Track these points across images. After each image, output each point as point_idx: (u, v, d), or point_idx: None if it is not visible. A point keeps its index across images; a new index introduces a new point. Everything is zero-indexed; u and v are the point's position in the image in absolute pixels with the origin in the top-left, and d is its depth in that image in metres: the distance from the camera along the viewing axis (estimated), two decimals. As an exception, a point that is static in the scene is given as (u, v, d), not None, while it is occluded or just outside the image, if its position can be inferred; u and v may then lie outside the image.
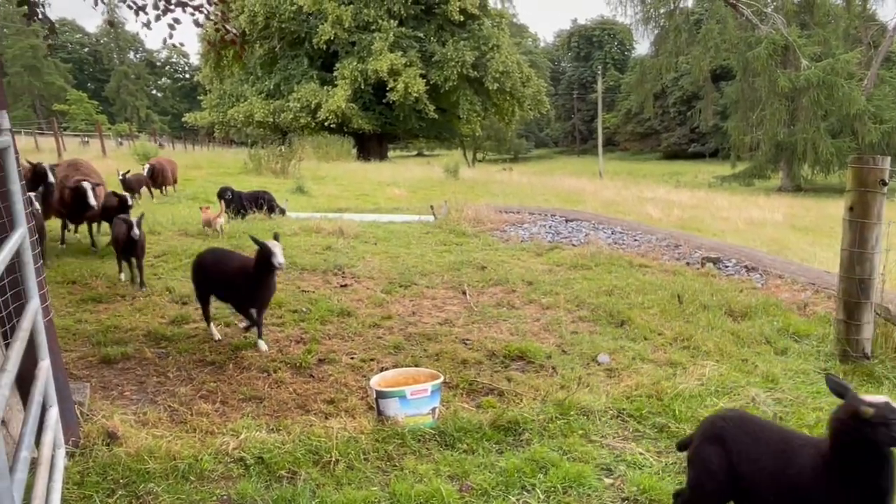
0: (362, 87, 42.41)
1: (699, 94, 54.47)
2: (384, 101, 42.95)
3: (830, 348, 5.28)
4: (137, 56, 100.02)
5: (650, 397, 4.38)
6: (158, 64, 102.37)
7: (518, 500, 3.30)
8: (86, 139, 41.55)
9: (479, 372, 4.99)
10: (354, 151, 43.76)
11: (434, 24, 44.05)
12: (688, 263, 8.83)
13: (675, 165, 65.35)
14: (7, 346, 3.26)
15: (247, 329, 5.67)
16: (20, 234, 2.83)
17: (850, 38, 40.02)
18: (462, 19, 43.04)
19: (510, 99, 46.36)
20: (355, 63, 42.00)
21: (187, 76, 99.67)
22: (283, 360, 5.18)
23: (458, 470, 3.55)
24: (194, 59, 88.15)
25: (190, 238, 10.02)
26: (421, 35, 43.18)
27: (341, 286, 7.55)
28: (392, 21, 42.18)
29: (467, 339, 5.76)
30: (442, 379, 4.31)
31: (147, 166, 15.10)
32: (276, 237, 5.29)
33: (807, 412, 4.13)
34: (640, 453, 3.74)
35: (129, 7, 7.37)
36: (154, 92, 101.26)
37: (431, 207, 13.40)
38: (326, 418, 4.15)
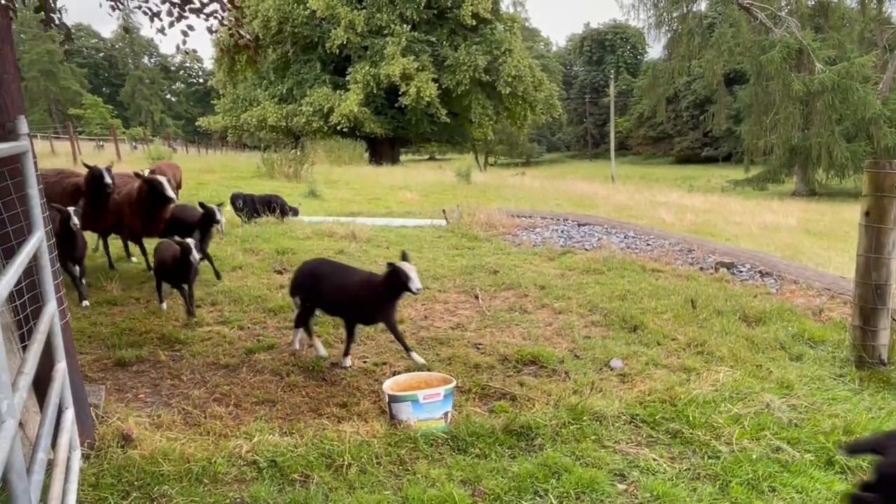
0: (375, 91, 42.54)
1: (712, 97, 54.17)
2: (396, 105, 43.06)
3: (846, 354, 5.23)
4: (152, 61, 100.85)
5: (664, 403, 4.35)
6: (173, 69, 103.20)
7: (531, 505, 3.29)
8: (101, 143, 41.92)
9: (492, 376, 4.98)
10: (366, 155, 43.90)
11: (446, 29, 44.11)
12: (701, 268, 8.77)
13: (688, 170, 65.06)
14: (24, 348, 3.30)
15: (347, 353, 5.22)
16: (38, 238, 2.86)
17: (866, 41, 39.73)
18: (474, 24, 43.09)
19: (522, 103, 46.34)
20: (368, 67, 42.13)
21: (201, 81, 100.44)
22: (296, 363, 5.20)
23: (471, 475, 3.54)
24: (208, 64, 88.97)
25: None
26: (433, 39, 43.25)
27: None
28: (405, 25, 42.28)
29: (479, 344, 5.75)
30: (454, 383, 4.31)
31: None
32: (404, 256, 4.95)
33: (822, 419, 4.09)
34: (654, 459, 3.72)
35: (145, 13, 7.44)
36: (168, 96, 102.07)
37: (443, 211, 13.40)
38: (339, 422, 4.16)
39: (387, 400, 4.14)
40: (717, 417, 4.12)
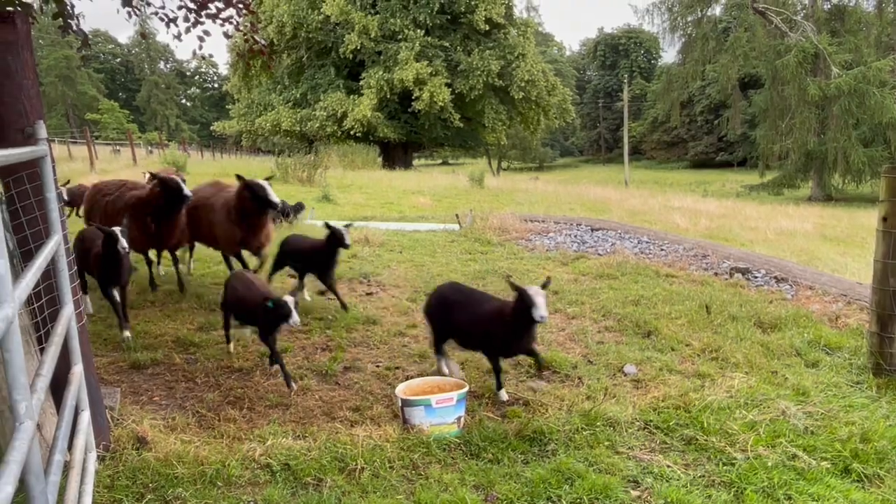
0: (388, 96, 42.65)
1: (727, 102, 53.91)
2: (410, 109, 43.14)
3: (863, 361, 5.18)
4: (168, 66, 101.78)
5: (678, 409, 4.33)
6: (188, 74, 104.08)
7: (544, 511, 3.28)
8: (117, 148, 42.30)
9: (505, 381, 4.97)
10: (380, 160, 43.97)
11: (460, 34, 44.17)
12: (716, 274, 8.72)
13: (703, 174, 64.71)
14: (41, 350, 3.33)
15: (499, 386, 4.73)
16: (56, 241, 2.89)
17: (883, 45, 39.37)
18: (488, 28, 43.11)
19: (535, 108, 46.29)
20: (381, 72, 42.25)
21: (216, 86, 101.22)
22: (309, 367, 5.22)
23: (484, 480, 3.53)
24: (223, 69, 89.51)
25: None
26: (447, 44, 43.31)
27: (367, 294, 7.59)
28: (418, 30, 42.38)
29: (492, 349, 5.74)
30: (467, 388, 4.31)
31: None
32: (546, 284, 4.34)
33: (839, 426, 4.05)
34: (668, 466, 3.70)
35: (161, 19, 7.51)
36: (183, 101, 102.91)
37: (457, 216, 13.41)
38: (352, 426, 4.17)
39: (400, 404, 4.15)
40: (732, 424, 4.09)
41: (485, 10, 42.06)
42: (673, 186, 46.17)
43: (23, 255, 3.42)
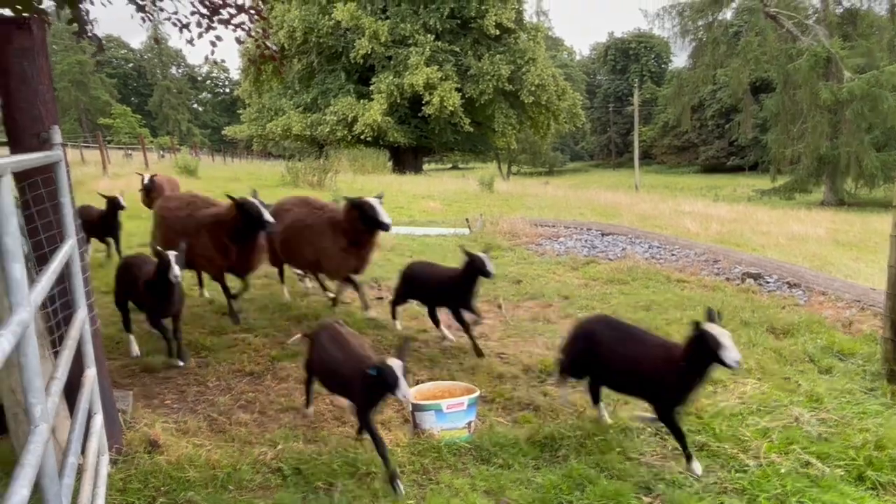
0: (398, 100, 42.72)
1: (738, 106, 53.59)
2: (420, 114, 43.19)
3: (877, 368, 5.13)
4: (179, 71, 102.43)
5: (689, 415, 4.30)
6: (200, 79, 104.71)
7: (555, 517, 3.27)
8: (129, 152, 42.57)
9: (515, 386, 4.97)
10: (390, 164, 44.03)
11: (470, 39, 44.20)
12: (727, 279, 8.67)
13: (714, 179, 64.37)
14: (55, 354, 3.35)
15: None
16: (70, 245, 2.91)
17: (895, 49, 39.07)
18: (498, 33, 43.12)
19: (546, 112, 46.23)
20: (391, 77, 42.34)
21: (227, 91, 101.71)
22: (320, 371, 5.22)
23: (494, 485, 3.53)
24: (234, 74, 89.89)
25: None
26: (457, 49, 43.35)
27: (377, 298, 7.59)
28: (428, 35, 42.45)
29: (503, 353, 5.74)
30: (478, 393, 4.31)
31: (146, 179, 12.29)
32: (710, 316, 3.61)
33: (853, 433, 4.01)
34: (680, 472, 3.68)
35: (174, 24, 7.56)
36: (195, 106, 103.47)
37: (467, 220, 13.41)
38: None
39: (410, 409, 4.15)
40: (745, 431, 4.07)
41: (495, 14, 42.07)
42: (684, 191, 45.96)
43: (37, 259, 3.45)
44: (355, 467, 3.67)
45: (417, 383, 4.80)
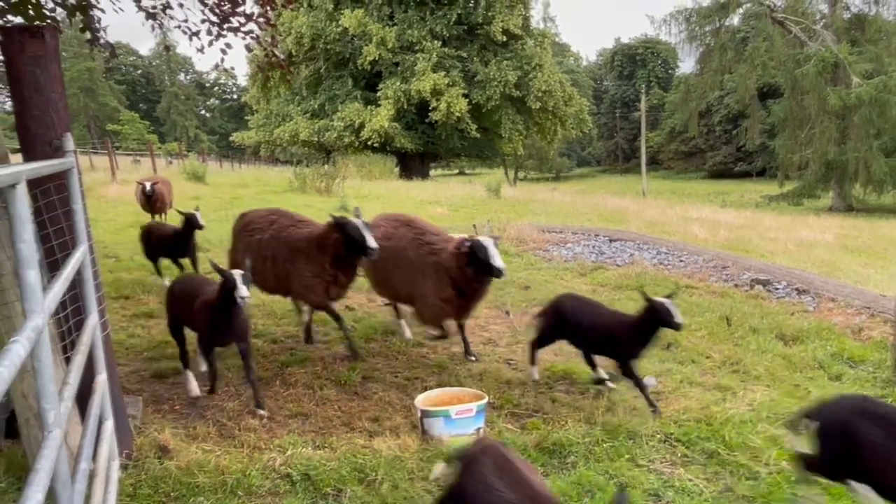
0: (405, 106, 42.82)
1: (745, 112, 53.38)
2: (427, 120, 43.26)
3: (888, 375, 5.11)
4: (187, 78, 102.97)
5: (699, 422, 4.29)
6: (207, 85, 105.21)
7: (564, 524, 3.26)
8: (137, 158, 42.78)
9: (524, 393, 4.96)
10: (397, 170, 44.10)
11: (477, 45, 44.30)
12: (736, 285, 8.65)
13: (721, 185, 64.19)
14: (66, 360, 3.37)
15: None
16: (82, 252, 2.93)
17: (904, 54, 38.94)
18: (505, 39, 43.20)
19: (552, 118, 46.25)
20: (398, 83, 42.44)
21: (235, 97, 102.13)
22: (328, 377, 5.23)
23: (503, 492, 3.52)
24: (242, 81, 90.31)
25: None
26: (464, 55, 43.43)
27: (385, 304, 7.59)
28: (435, 42, 42.55)
29: (511, 360, 5.74)
30: (486, 399, 4.30)
31: (148, 185, 11.95)
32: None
33: (864, 441, 3.99)
34: (689, 479, 3.66)
35: (184, 32, 7.63)
36: (203, 112, 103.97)
37: (474, 226, 13.33)
38: (371, 436, 4.17)
39: (419, 415, 4.15)
40: (755, 438, 4.05)
41: (502, 21, 42.16)
42: (691, 197, 45.82)
43: (49, 266, 3.47)
44: (364, 473, 3.67)
45: (426, 389, 4.80)
